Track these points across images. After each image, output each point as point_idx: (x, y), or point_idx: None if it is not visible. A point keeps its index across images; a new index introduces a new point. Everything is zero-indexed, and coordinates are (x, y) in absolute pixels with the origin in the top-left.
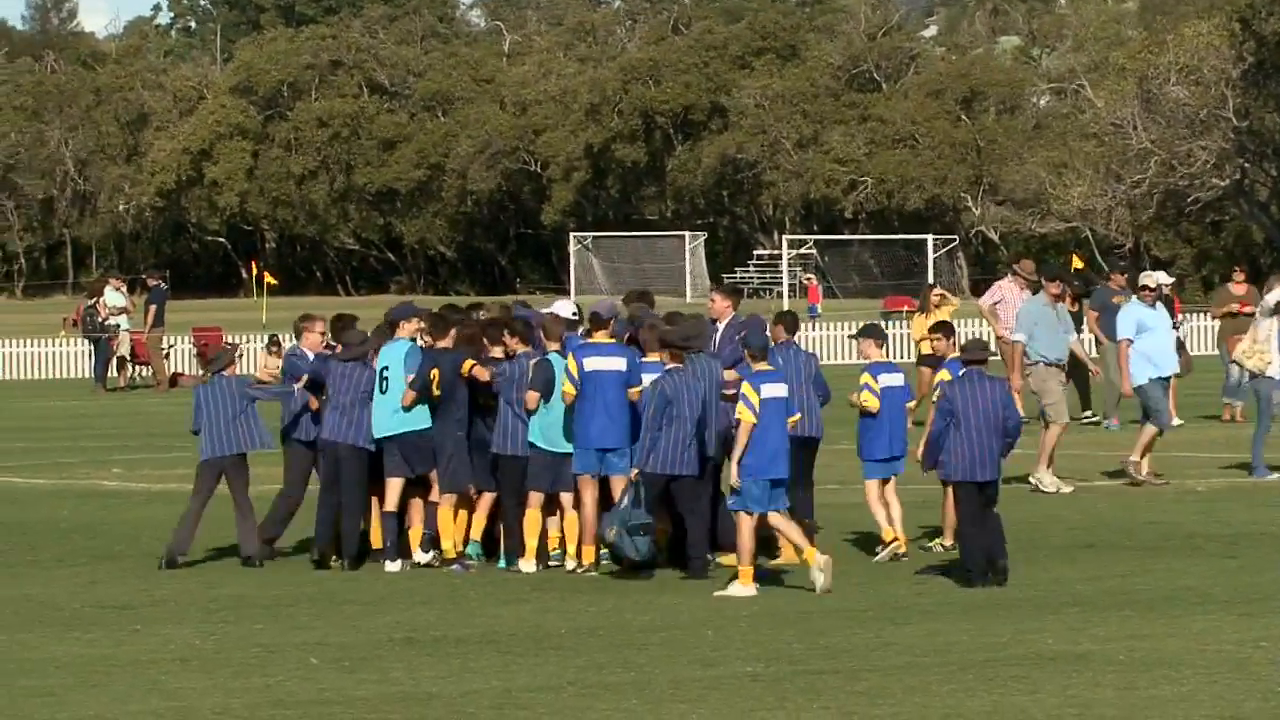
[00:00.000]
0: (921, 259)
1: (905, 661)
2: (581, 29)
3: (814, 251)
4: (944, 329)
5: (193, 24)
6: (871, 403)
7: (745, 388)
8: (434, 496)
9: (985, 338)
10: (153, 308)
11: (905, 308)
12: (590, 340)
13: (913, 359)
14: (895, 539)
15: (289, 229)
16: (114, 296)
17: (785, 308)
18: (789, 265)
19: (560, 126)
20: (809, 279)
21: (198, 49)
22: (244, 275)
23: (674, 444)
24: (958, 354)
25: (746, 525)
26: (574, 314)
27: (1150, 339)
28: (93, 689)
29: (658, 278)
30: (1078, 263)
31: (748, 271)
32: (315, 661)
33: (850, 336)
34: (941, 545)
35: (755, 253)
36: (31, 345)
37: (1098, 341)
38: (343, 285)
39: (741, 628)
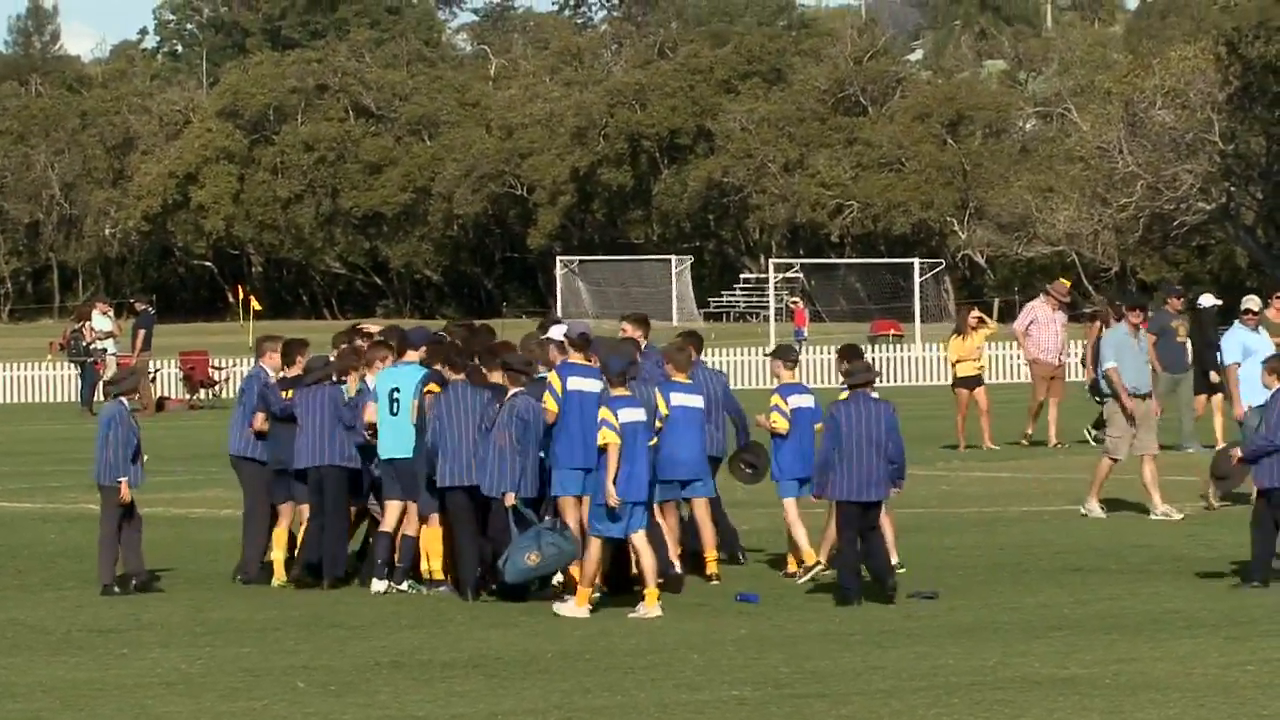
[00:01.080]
0: (908, 283)
1: (892, 685)
2: (567, 53)
3: (800, 275)
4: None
5: (179, 48)
6: (780, 424)
7: (605, 413)
8: (410, 525)
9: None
10: (141, 332)
11: (892, 331)
12: (571, 360)
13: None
14: (817, 561)
15: (275, 253)
16: (100, 321)
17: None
18: (775, 289)
19: (546, 150)
20: (795, 303)
21: (184, 73)
22: (230, 299)
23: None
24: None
25: (596, 548)
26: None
27: (1252, 364)
28: (79, 713)
29: (644, 301)
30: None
31: (734, 295)
32: (302, 685)
33: (765, 355)
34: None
35: (741, 276)
36: (18, 369)
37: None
38: (329, 309)
39: (728, 651)
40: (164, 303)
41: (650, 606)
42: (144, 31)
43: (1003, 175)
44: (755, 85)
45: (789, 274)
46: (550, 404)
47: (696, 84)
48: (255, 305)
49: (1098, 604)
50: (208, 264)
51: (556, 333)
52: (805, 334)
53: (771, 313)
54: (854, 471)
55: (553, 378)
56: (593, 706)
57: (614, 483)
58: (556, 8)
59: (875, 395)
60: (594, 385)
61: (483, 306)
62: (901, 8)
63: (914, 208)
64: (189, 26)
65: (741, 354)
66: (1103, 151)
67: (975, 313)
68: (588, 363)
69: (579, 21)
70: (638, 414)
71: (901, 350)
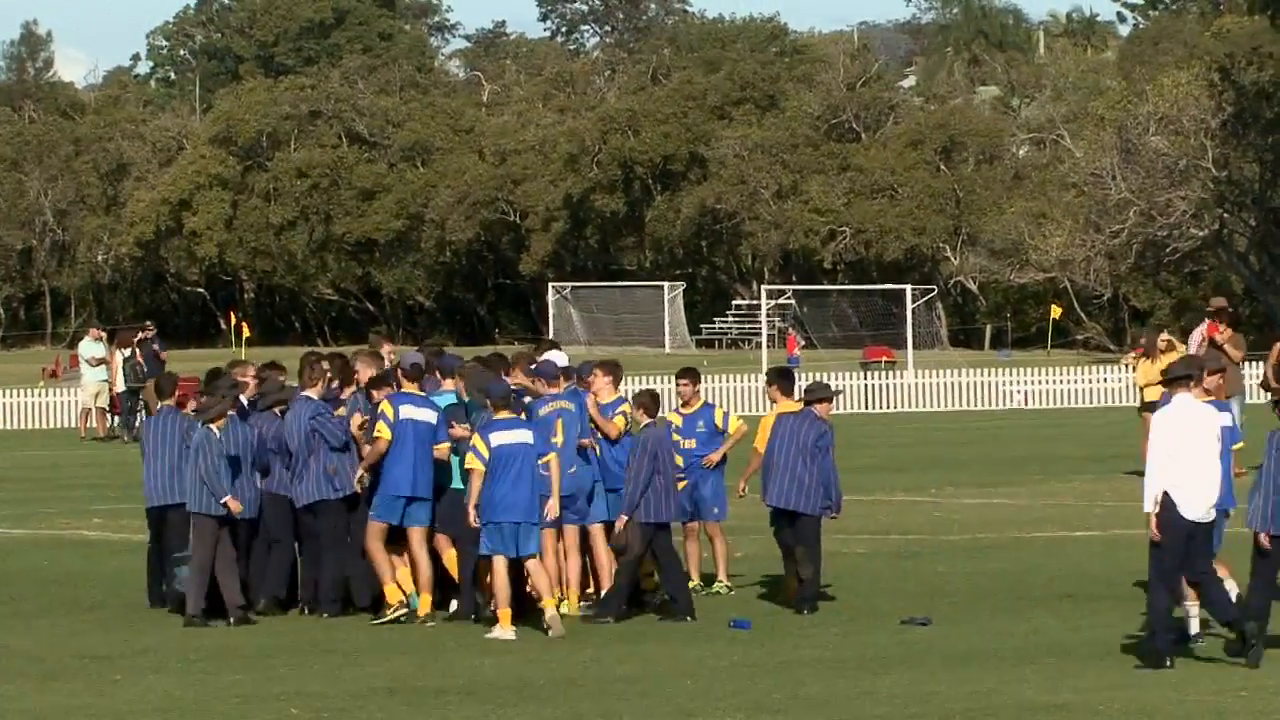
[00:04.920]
0: (900, 309)
1: (886, 711)
2: (560, 79)
3: (793, 302)
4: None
5: (172, 74)
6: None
7: (475, 439)
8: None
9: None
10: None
11: (884, 358)
12: (405, 390)
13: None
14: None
15: (268, 279)
16: (92, 347)
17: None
18: (768, 315)
19: (539, 176)
20: (788, 330)
21: (177, 99)
22: (223, 325)
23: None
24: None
25: (497, 570)
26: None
27: None
28: None
29: (636, 328)
30: (1056, 312)
31: (726, 322)
32: (295, 712)
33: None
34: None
35: (734, 303)
36: (11, 395)
37: (1264, 385)
38: (321, 335)
39: (721, 677)
40: (157, 329)
41: (504, 627)
42: (137, 57)
43: (995, 201)
44: (748, 111)
45: (781, 300)
46: (383, 431)
47: (689, 110)
48: (246, 331)
49: (1091, 630)
50: (200, 290)
51: (559, 359)
52: (799, 360)
53: (764, 339)
54: (782, 481)
55: (385, 406)
56: None
57: (476, 506)
58: (549, 34)
59: (817, 414)
60: (428, 415)
61: (475, 332)
62: (894, 34)
63: (906, 234)
64: (182, 53)
65: (734, 380)
66: (1095, 178)
67: (1165, 335)
68: (421, 393)
69: (571, 48)
70: (519, 435)
71: (894, 377)
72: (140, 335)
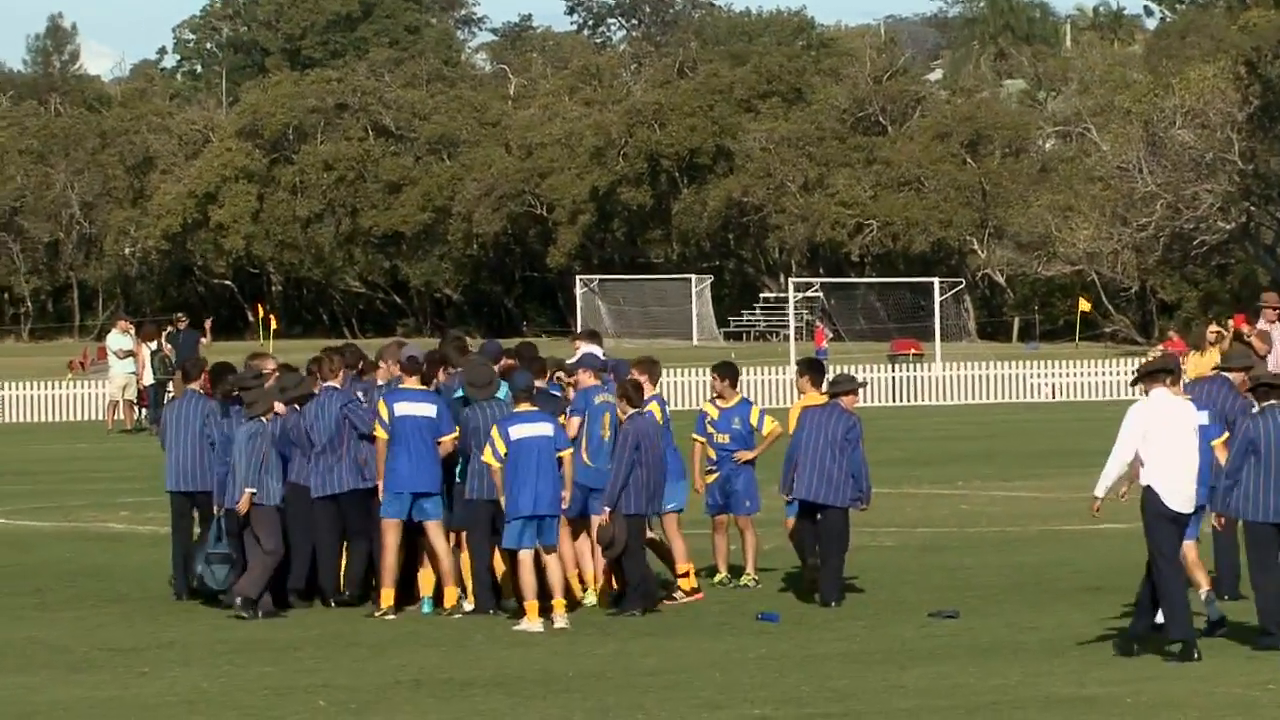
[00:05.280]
0: (928, 302)
1: (913, 704)
2: (586, 72)
3: (820, 294)
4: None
5: (198, 67)
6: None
7: (493, 432)
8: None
9: None
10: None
11: (912, 351)
12: (402, 386)
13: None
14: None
15: (295, 272)
16: (120, 340)
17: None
18: (795, 308)
19: (566, 169)
20: (816, 322)
21: (203, 92)
22: (250, 318)
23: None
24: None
25: (523, 563)
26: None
27: None
28: None
29: (664, 321)
30: (1084, 305)
31: (754, 315)
32: (323, 704)
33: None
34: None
35: (761, 296)
36: (38, 388)
37: None
38: (349, 328)
39: (749, 670)
40: (188, 321)
41: (531, 620)
42: (163, 51)
43: (1022, 195)
44: (775, 105)
45: (809, 293)
46: (378, 431)
47: (716, 103)
48: (274, 324)
49: (1117, 623)
50: (228, 283)
51: (597, 351)
52: (827, 353)
53: (792, 332)
54: (810, 474)
55: (380, 405)
56: None
57: (504, 499)
58: (575, 27)
59: (844, 407)
60: (426, 409)
61: (503, 325)
62: (920, 27)
63: (933, 227)
64: (208, 46)
65: (762, 374)
66: (1122, 171)
67: (1214, 327)
68: (420, 387)
69: (598, 41)
70: (540, 429)
71: (922, 370)
72: (169, 328)
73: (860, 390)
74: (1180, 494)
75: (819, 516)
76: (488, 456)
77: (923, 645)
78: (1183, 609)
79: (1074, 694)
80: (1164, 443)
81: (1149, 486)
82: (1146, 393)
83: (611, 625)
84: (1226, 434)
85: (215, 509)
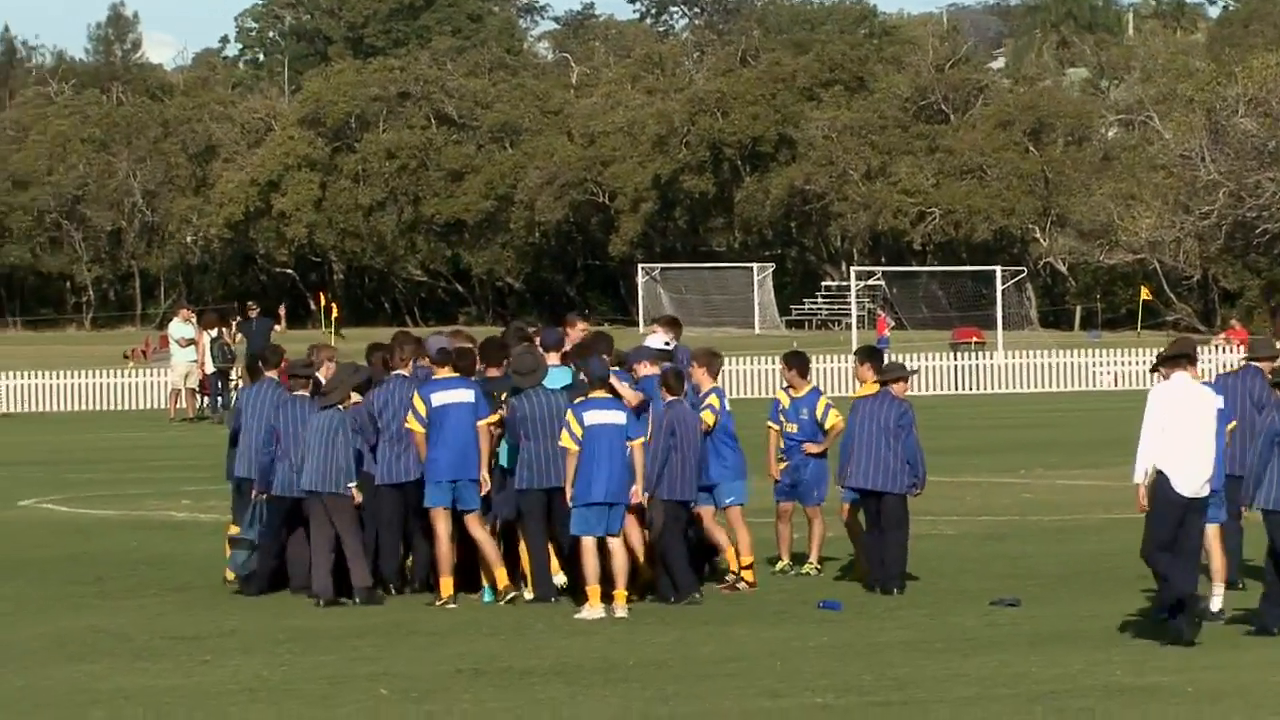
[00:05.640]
0: (990, 290)
1: (975, 693)
2: (649, 61)
3: (882, 283)
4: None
5: (260, 56)
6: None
7: (569, 416)
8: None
9: None
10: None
11: (974, 339)
12: (437, 376)
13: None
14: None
15: (357, 260)
16: (182, 328)
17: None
18: (857, 296)
19: (628, 158)
20: (878, 311)
21: (265, 81)
22: (312, 307)
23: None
24: None
25: (583, 550)
26: (666, 344)
27: None
28: None
29: (726, 309)
30: (1146, 294)
31: (816, 303)
32: (384, 692)
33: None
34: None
35: (823, 284)
36: (100, 376)
37: None
38: (410, 316)
39: (810, 659)
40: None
41: (593, 606)
42: (225, 39)
43: (1084, 183)
44: (837, 93)
45: (871, 281)
46: (413, 425)
47: (778, 92)
48: (335, 312)
49: None
50: (289, 271)
51: (654, 341)
52: (888, 341)
53: (854, 320)
54: (866, 461)
55: (416, 399)
56: (674, 714)
57: (573, 485)
58: (638, 16)
59: (895, 395)
60: (464, 395)
61: (564, 314)
62: (983, 16)
63: (996, 215)
64: (271, 34)
65: (825, 362)
66: (1185, 159)
67: None
68: (454, 375)
69: (660, 30)
70: (612, 416)
71: (984, 358)
72: (238, 317)
73: (911, 378)
74: (1191, 479)
75: (877, 505)
76: (565, 440)
77: (984, 634)
78: (1169, 590)
79: (1135, 683)
80: (1180, 427)
81: (1160, 470)
82: (1166, 377)
83: (671, 614)
84: (1234, 422)
85: (255, 494)
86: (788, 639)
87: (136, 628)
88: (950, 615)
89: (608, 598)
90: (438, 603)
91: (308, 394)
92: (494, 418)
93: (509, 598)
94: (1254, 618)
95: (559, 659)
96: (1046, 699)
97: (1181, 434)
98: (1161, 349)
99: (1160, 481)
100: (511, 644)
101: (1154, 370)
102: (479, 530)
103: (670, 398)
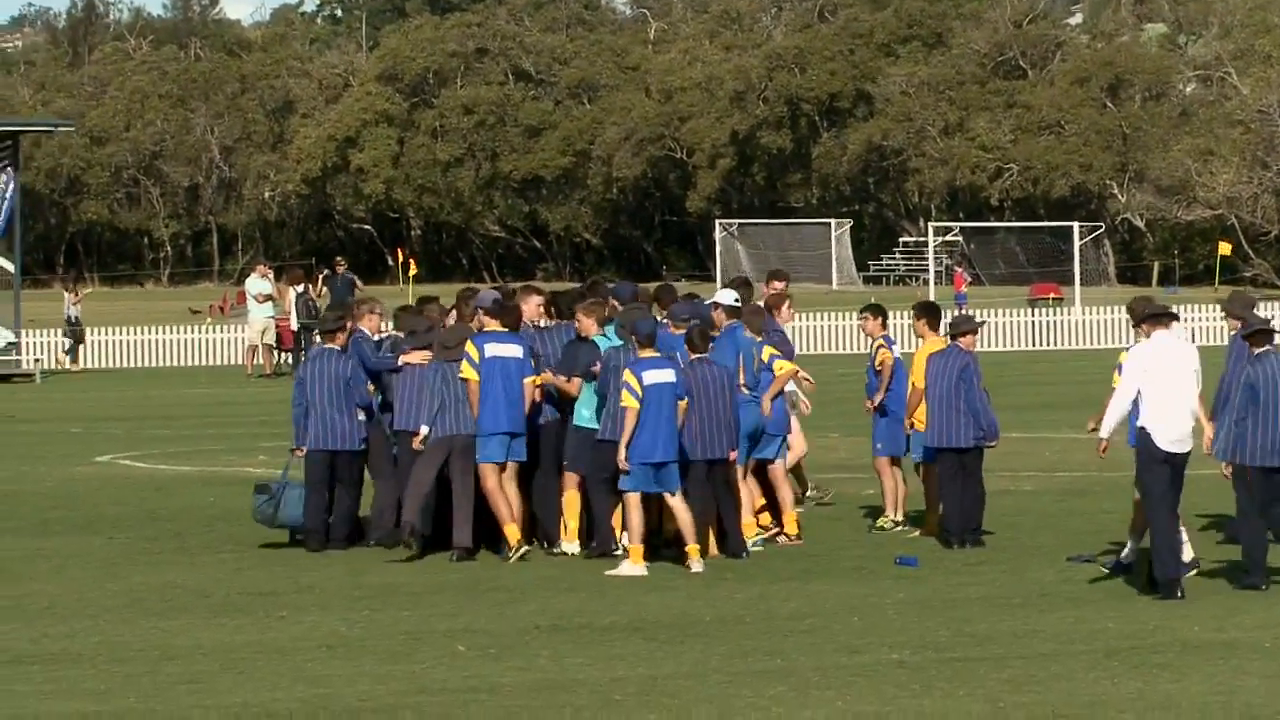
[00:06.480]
0: (1067, 246)
1: (1051, 649)
2: (727, 16)
3: (960, 239)
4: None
5: (339, 12)
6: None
7: (627, 374)
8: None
9: None
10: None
11: (1051, 295)
12: (488, 329)
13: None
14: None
15: (435, 216)
16: (259, 284)
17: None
18: (935, 252)
19: (705, 114)
20: (956, 266)
21: (343, 36)
22: (390, 262)
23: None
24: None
25: (633, 506)
26: (735, 300)
27: None
28: (239, 676)
29: (803, 265)
30: (1224, 250)
31: (893, 259)
32: (462, 649)
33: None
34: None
35: (901, 240)
36: (177, 332)
37: None
38: (488, 272)
39: (887, 615)
40: (324, 266)
41: (635, 563)
42: None
43: (1162, 139)
44: (915, 49)
45: (948, 237)
46: (469, 372)
47: (856, 47)
48: (413, 268)
49: None
50: (367, 227)
51: (725, 297)
52: (966, 297)
53: (931, 276)
54: (940, 418)
55: (470, 347)
56: (752, 670)
57: (628, 445)
58: None
59: (962, 348)
60: (513, 350)
61: (642, 270)
62: None
63: (1073, 171)
64: None
65: (903, 318)
66: (1263, 115)
67: None
68: (505, 329)
69: None
70: (665, 375)
71: (1061, 314)
72: (325, 271)
73: (978, 330)
74: (1173, 435)
75: (955, 460)
76: (627, 399)
77: (1061, 590)
78: (1168, 549)
79: (1213, 638)
80: (1161, 384)
81: (1143, 427)
82: (1148, 335)
83: (750, 569)
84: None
85: (295, 450)
86: (866, 595)
87: (214, 583)
88: (1028, 571)
89: (681, 557)
90: (511, 555)
91: (338, 347)
92: (540, 378)
93: (520, 553)
94: None
95: (637, 615)
96: (1124, 654)
97: (1162, 392)
98: (1130, 304)
99: (1143, 437)
100: (590, 600)
101: (1136, 326)
102: (513, 485)
103: (694, 355)
